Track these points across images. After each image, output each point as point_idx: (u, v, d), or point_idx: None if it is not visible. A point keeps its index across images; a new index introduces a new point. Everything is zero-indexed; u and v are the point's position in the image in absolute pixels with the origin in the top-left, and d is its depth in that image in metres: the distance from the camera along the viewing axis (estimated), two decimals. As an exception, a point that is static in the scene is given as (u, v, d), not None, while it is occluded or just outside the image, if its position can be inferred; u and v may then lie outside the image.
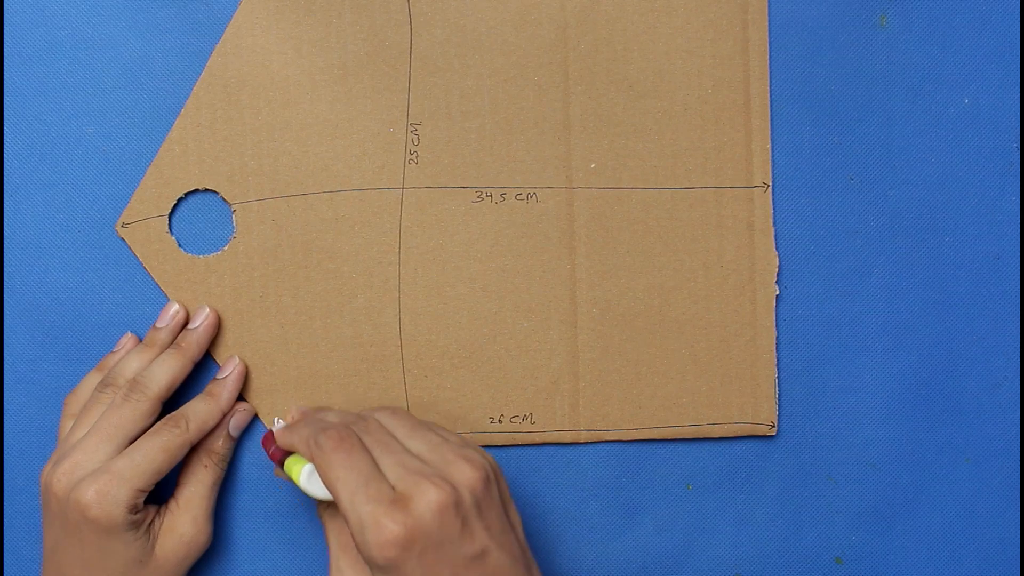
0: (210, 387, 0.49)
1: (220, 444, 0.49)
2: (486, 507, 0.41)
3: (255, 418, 0.51)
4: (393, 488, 0.40)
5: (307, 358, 0.51)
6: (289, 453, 0.44)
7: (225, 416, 0.49)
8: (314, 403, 0.51)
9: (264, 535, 0.52)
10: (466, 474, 0.41)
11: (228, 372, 0.50)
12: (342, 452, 0.41)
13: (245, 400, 0.51)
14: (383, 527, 0.39)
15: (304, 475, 0.43)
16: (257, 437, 0.51)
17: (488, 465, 0.42)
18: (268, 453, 0.45)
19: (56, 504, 0.45)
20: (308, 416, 0.46)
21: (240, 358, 0.50)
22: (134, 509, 0.45)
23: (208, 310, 0.50)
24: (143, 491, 0.45)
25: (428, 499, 0.39)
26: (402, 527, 0.39)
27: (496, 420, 0.51)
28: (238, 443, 0.51)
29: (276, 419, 0.47)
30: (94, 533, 0.44)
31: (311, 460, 0.42)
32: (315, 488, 0.43)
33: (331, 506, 0.45)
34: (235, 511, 0.52)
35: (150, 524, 0.47)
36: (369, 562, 0.40)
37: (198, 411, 0.48)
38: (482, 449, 0.43)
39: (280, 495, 0.52)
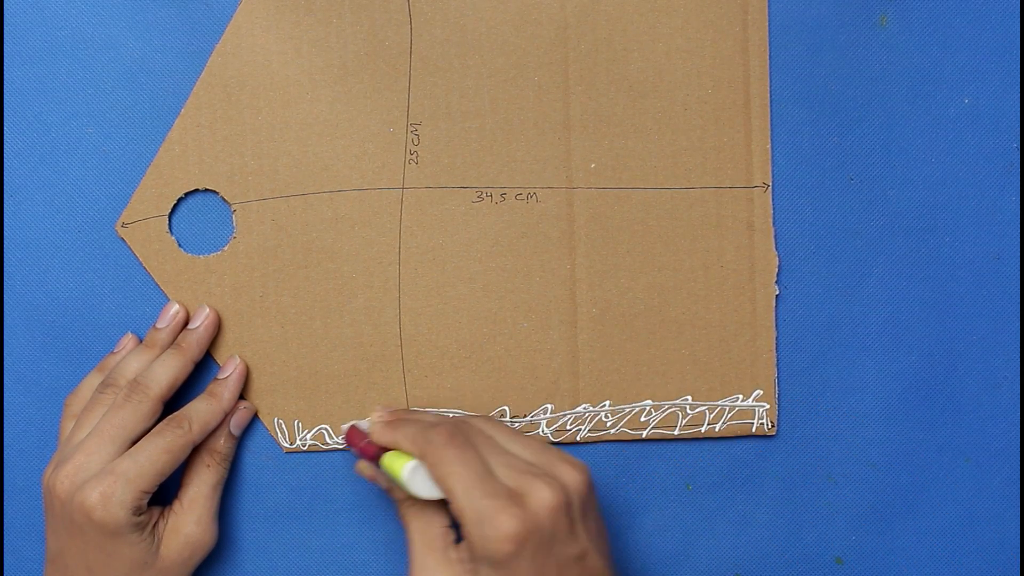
0: (211, 387, 0.49)
1: (222, 443, 0.49)
2: (588, 510, 0.43)
3: (256, 418, 0.51)
4: (506, 486, 0.41)
5: (307, 358, 0.51)
6: (384, 450, 0.45)
7: (227, 416, 0.49)
8: (314, 403, 0.51)
9: (264, 535, 0.52)
10: (573, 476, 0.42)
11: (229, 372, 0.50)
12: (454, 448, 0.42)
13: (245, 399, 0.51)
14: (501, 522, 0.40)
15: (408, 470, 0.43)
16: (259, 436, 0.51)
17: (588, 469, 0.43)
18: (357, 448, 0.46)
19: (59, 507, 0.45)
20: (404, 415, 0.47)
21: (241, 358, 0.50)
22: (138, 511, 0.45)
23: (208, 310, 0.50)
24: (147, 492, 0.45)
25: (542, 497, 0.41)
26: (520, 522, 0.40)
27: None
28: (239, 443, 0.51)
29: (367, 419, 0.48)
30: (99, 535, 0.44)
31: (420, 456, 0.43)
32: (418, 484, 0.43)
33: (415, 504, 0.45)
34: (236, 511, 0.52)
35: (155, 526, 0.47)
36: (484, 556, 0.40)
37: (200, 411, 0.48)
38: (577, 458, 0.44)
39: (280, 495, 0.52)
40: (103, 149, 0.50)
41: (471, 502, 0.40)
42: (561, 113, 0.51)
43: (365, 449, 0.46)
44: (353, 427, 0.48)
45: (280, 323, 0.51)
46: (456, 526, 0.43)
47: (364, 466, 0.47)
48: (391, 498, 0.47)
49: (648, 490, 0.52)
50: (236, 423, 0.50)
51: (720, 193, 0.51)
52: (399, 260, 0.51)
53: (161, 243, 0.50)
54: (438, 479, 0.42)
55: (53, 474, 0.45)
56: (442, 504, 0.44)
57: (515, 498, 0.41)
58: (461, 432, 0.43)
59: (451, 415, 0.48)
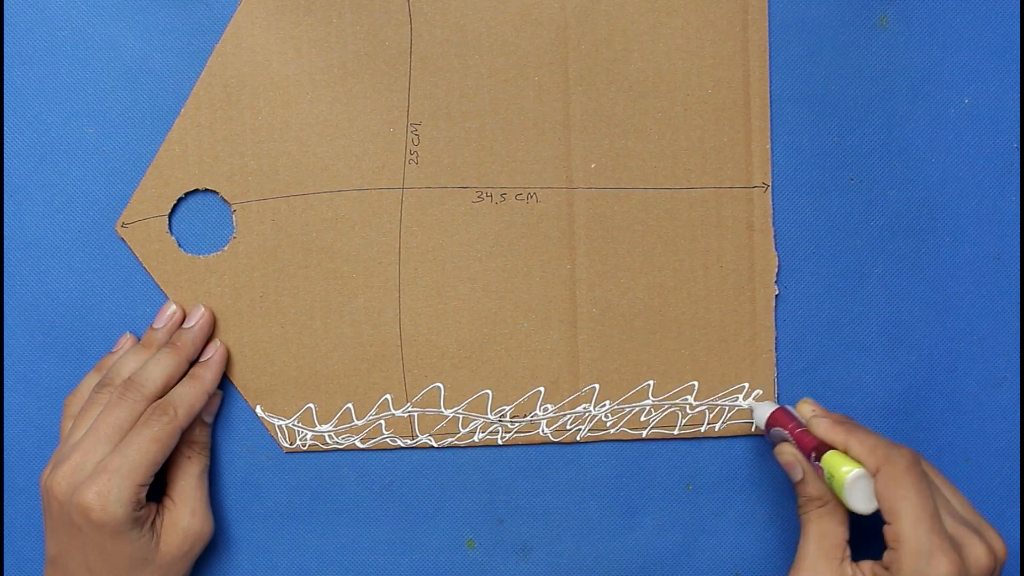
0: (194, 370, 0.49)
1: (198, 433, 0.49)
2: None
3: (256, 418, 0.51)
4: (948, 532, 0.42)
5: (307, 358, 0.51)
6: (824, 445, 0.45)
7: (211, 398, 0.49)
8: (314, 403, 0.51)
9: (264, 535, 0.52)
10: (1000, 547, 0.44)
11: (211, 354, 0.50)
12: (914, 476, 0.42)
13: (239, 392, 0.51)
14: (941, 562, 0.41)
15: (852, 476, 0.43)
16: (259, 436, 0.51)
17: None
18: (792, 433, 0.47)
19: (58, 508, 0.45)
20: (849, 421, 0.47)
21: (221, 341, 0.50)
22: (137, 505, 0.45)
23: (203, 309, 0.50)
24: (143, 485, 0.45)
25: (979, 555, 0.42)
26: (956, 570, 0.41)
27: (496, 420, 0.51)
28: (234, 444, 0.51)
29: (794, 405, 0.49)
30: (98, 535, 0.44)
31: (874, 468, 0.43)
32: (857, 493, 0.43)
33: (823, 508, 0.45)
34: (236, 511, 0.52)
35: (152, 522, 0.47)
36: None
37: (184, 395, 0.48)
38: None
39: (280, 495, 0.52)
40: (103, 149, 0.50)
41: (917, 533, 0.41)
42: (561, 113, 0.51)
43: (802, 437, 0.46)
44: (783, 409, 0.48)
45: (280, 323, 0.51)
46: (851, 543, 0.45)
47: (788, 450, 0.47)
48: (795, 490, 0.47)
49: (648, 490, 0.52)
50: (208, 411, 0.50)
51: (720, 193, 0.51)
52: (399, 260, 0.51)
53: (161, 243, 0.50)
54: (888, 498, 0.42)
55: (51, 475, 0.45)
56: (846, 517, 0.45)
57: (956, 546, 0.42)
58: (920, 464, 0.43)
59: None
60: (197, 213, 0.51)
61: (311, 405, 0.51)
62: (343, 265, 0.51)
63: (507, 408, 0.51)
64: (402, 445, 0.52)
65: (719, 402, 0.52)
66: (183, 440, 0.48)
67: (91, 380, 0.49)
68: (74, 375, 0.51)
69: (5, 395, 0.51)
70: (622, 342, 0.51)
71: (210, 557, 0.51)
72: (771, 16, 0.51)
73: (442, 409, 0.51)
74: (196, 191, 0.50)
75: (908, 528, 0.41)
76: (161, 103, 0.50)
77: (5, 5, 0.50)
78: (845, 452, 0.44)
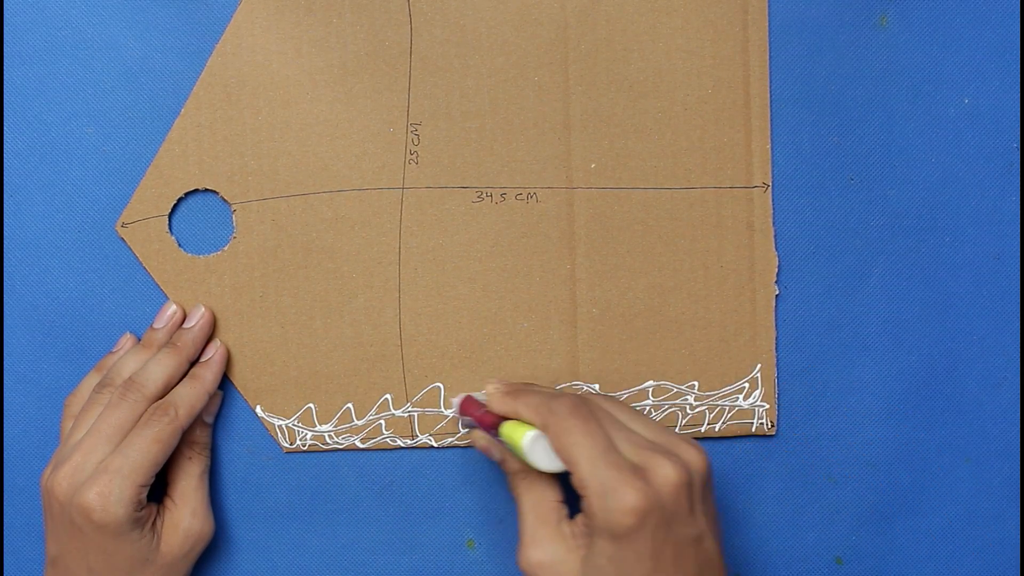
0: (194, 370, 0.49)
1: (198, 434, 0.49)
2: (706, 493, 0.42)
3: (256, 418, 0.51)
4: (629, 461, 0.41)
5: (307, 358, 0.51)
6: (502, 419, 0.45)
7: (211, 398, 0.49)
8: (314, 403, 0.51)
9: (264, 535, 0.52)
10: (695, 456, 0.42)
11: (211, 354, 0.50)
12: (579, 419, 0.42)
13: (239, 392, 0.51)
14: (626, 494, 0.40)
15: (528, 439, 0.43)
16: (259, 436, 0.51)
17: (707, 454, 0.43)
18: (473, 416, 0.47)
19: (59, 509, 0.45)
20: (523, 386, 0.47)
21: (221, 341, 0.50)
22: (138, 506, 0.45)
23: (203, 309, 0.50)
24: (144, 486, 0.45)
25: (666, 473, 0.40)
26: (644, 496, 0.40)
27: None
28: (234, 444, 0.51)
29: (481, 392, 0.48)
30: (99, 536, 0.44)
31: (543, 426, 0.42)
32: (538, 454, 0.42)
33: (528, 477, 0.45)
34: (236, 511, 0.52)
35: (153, 523, 0.47)
36: (605, 528, 0.40)
37: (185, 396, 0.48)
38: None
39: (280, 495, 0.52)
40: (103, 149, 0.50)
41: (595, 473, 0.40)
42: (561, 113, 0.51)
43: (483, 418, 0.46)
44: (468, 397, 0.48)
45: (280, 323, 0.51)
46: (568, 501, 0.44)
47: (479, 436, 0.47)
48: (503, 470, 0.47)
49: (648, 490, 0.52)
50: (209, 411, 0.50)
51: (720, 193, 0.51)
52: (399, 260, 0.51)
53: (161, 243, 0.50)
54: (561, 449, 0.42)
55: (51, 476, 0.45)
56: (555, 479, 0.44)
57: (639, 472, 0.40)
58: (585, 405, 0.43)
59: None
60: (197, 213, 0.51)
61: (311, 405, 0.51)
62: (343, 265, 0.51)
63: (507, 408, 0.51)
64: (402, 445, 0.52)
65: (719, 402, 0.52)
66: (184, 440, 0.48)
67: (91, 380, 0.49)
68: (74, 375, 0.51)
69: (5, 395, 0.51)
70: (622, 342, 0.51)
71: (210, 557, 0.51)
72: (771, 16, 0.51)
73: (442, 409, 0.51)
74: (196, 191, 0.50)
75: (586, 471, 0.41)
76: (161, 103, 0.50)
77: (5, 5, 0.50)
78: (518, 419, 0.44)
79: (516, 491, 0.46)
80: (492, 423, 0.45)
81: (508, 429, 0.44)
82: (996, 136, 0.52)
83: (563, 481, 0.45)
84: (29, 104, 0.50)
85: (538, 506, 0.45)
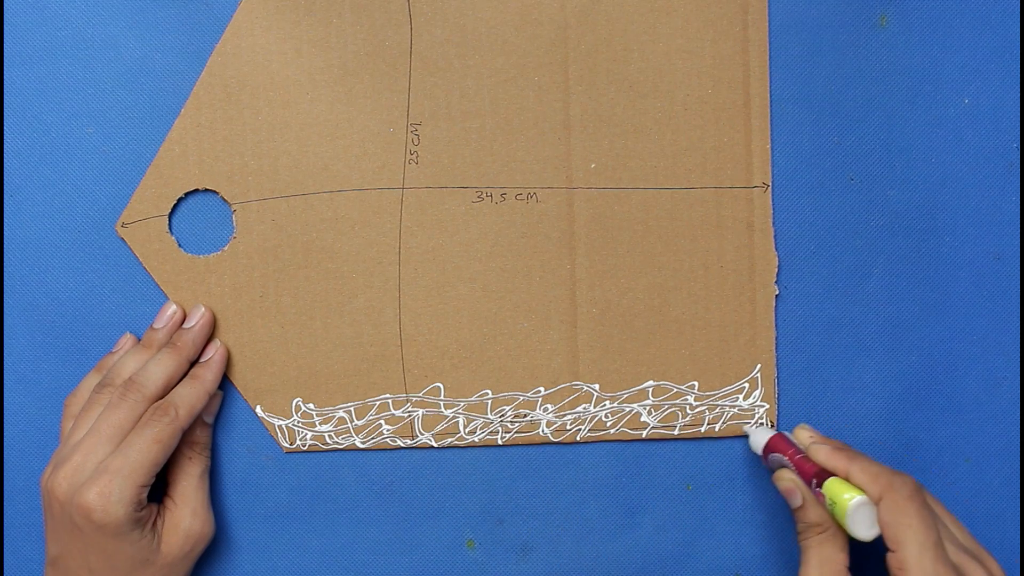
0: (194, 370, 0.49)
1: (199, 434, 0.49)
2: None
3: (256, 418, 0.51)
4: (952, 561, 0.42)
5: (307, 358, 0.51)
6: (825, 472, 0.45)
7: (212, 398, 0.49)
8: (314, 403, 0.51)
9: (264, 535, 0.52)
10: (999, 572, 0.44)
11: (211, 354, 0.50)
12: (917, 504, 0.43)
13: (239, 392, 0.51)
14: None
15: (855, 504, 0.43)
16: (259, 436, 0.51)
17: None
18: (791, 460, 0.47)
19: (59, 509, 0.45)
20: (851, 449, 0.47)
21: (221, 341, 0.50)
22: (139, 506, 0.45)
23: (203, 309, 0.50)
24: (144, 486, 0.45)
25: None
26: None
27: (496, 420, 0.51)
28: (234, 444, 0.51)
29: (791, 431, 0.49)
30: (99, 536, 0.44)
31: (877, 496, 0.43)
32: (859, 521, 0.43)
33: (824, 534, 0.45)
34: (236, 511, 0.52)
35: (153, 523, 0.47)
36: None
37: (185, 396, 0.48)
38: None
39: (280, 495, 0.52)
40: (103, 149, 0.50)
41: (923, 562, 0.41)
42: (561, 113, 0.51)
43: (802, 464, 0.46)
44: (782, 436, 0.48)
45: (280, 323, 0.51)
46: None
47: (788, 477, 0.47)
48: (794, 516, 0.47)
49: (648, 490, 0.52)
50: (209, 412, 0.50)
51: (720, 193, 0.51)
52: (399, 260, 0.51)
53: (161, 243, 0.50)
54: (892, 526, 0.42)
55: (51, 476, 0.45)
56: (847, 546, 0.45)
57: (959, 574, 0.42)
58: (922, 493, 0.44)
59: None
60: (197, 213, 0.51)
61: (311, 405, 0.51)
62: (343, 265, 0.51)
63: (507, 408, 0.51)
64: (402, 445, 0.52)
65: (719, 402, 0.52)
66: (184, 441, 0.48)
67: (91, 380, 0.49)
68: (74, 375, 0.51)
69: (5, 395, 0.51)
70: (622, 342, 0.51)
71: (210, 557, 0.51)
72: (771, 16, 0.51)
73: (442, 409, 0.51)
74: (196, 191, 0.50)
75: (913, 557, 0.41)
76: (161, 103, 0.50)
77: (5, 5, 0.50)
78: (847, 479, 0.44)
79: (806, 543, 0.46)
80: (815, 473, 0.45)
81: (835, 485, 0.44)
82: (996, 136, 0.52)
83: (852, 547, 0.45)
84: (29, 104, 0.50)
85: (826, 565, 0.45)
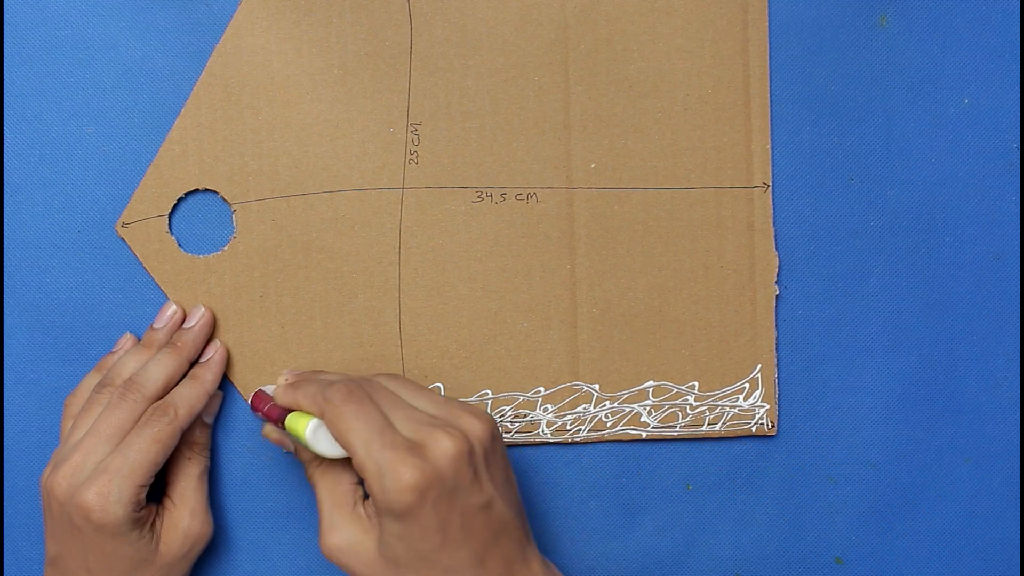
0: (194, 371, 0.49)
1: (198, 434, 0.49)
2: (492, 460, 0.43)
3: (255, 418, 0.51)
4: (406, 438, 0.41)
5: (307, 358, 0.51)
6: (287, 412, 0.45)
7: (212, 398, 0.49)
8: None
9: (264, 535, 0.52)
10: (475, 426, 0.42)
11: (211, 354, 0.50)
12: (353, 403, 0.42)
13: (239, 392, 0.51)
14: (401, 473, 0.40)
15: (310, 429, 0.43)
16: (259, 436, 0.51)
17: (493, 420, 0.43)
18: (262, 412, 0.47)
19: (58, 509, 0.45)
20: (306, 376, 0.47)
21: (221, 342, 0.50)
22: (138, 506, 0.45)
23: (203, 309, 0.50)
24: (143, 486, 0.45)
25: (443, 447, 0.41)
26: (420, 472, 0.40)
27: (496, 420, 0.51)
28: (234, 444, 0.51)
29: (274, 385, 0.48)
30: (98, 536, 0.44)
31: (320, 415, 0.43)
32: (321, 442, 0.43)
33: (322, 464, 0.45)
34: (235, 511, 0.52)
35: (152, 523, 0.47)
36: (386, 508, 0.41)
37: (185, 396, 0.48)
38: (483, 408, 0.44)
39: (280, 495, 0.52)
40: (103, 149, 0.50)
41: (370, 456, 0.41)
42: (561, 113, 0.51)
43: (269, 412, 0.46)
44: (259, 392, 0.48)
45: (280, 323, 0.51)
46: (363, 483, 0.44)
47: (270, 430, 0.47)
48: (300, 460, 0.47)
49: (648, 490, 0.52)
50: (208, 412, 0.50)
51: (720, 193, 0.51)
52: (399, 260, 0.51)
53: (161, 243, 0.50)
54: (338, 436, 0.42)
55: (51, 476, 0.45)
56: (349, 462, 0.45)
57: (415, 449, 0.41)
58: (360, 388, 0.43)
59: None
60: (197, 213, 0.51)
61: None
62: (343, 265, 0.51)
63: (507, 408, 0.51)
64: (402, 445, 0.52)
65: (719, 402, 0.52)
66: (183, 441, 0.48)
67: (91, 380, 0.49)
68: (74, 375, 0.51)
69: (5, 395, 0.51)
70: (622, 342, 0.51)
71: (210, 557, 0.51)
72: (771, 16, 0.51)
73: (442, 409, 0.51)
74: (196, 191, 0.50)
75: (362, 454, 0.41)
76: (161, 103, 0.50)
77: (5, 5, 0.50)
78: (300, 410, 0.44)
79: (312, 479, 0.46)
80: (278, 416, 0.45)
81: (291, 421, 0.44)
82: (996, 136, 0.52)
83: None
84: (29, 104, 0.50)
85: (333, 491, 0.45)
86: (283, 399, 0.45)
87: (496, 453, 0.43)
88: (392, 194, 0.51)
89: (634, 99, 0.51)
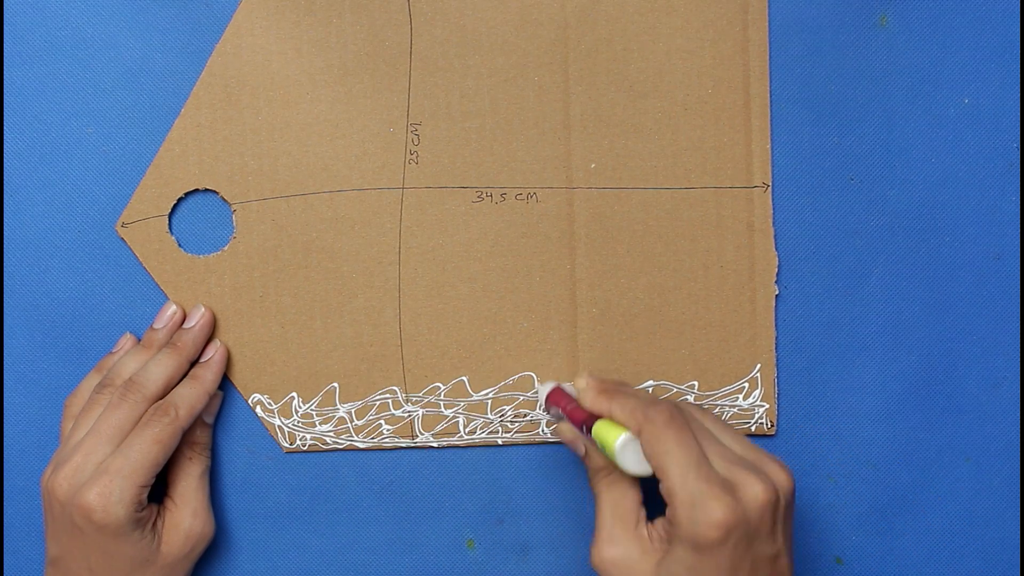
0: (194, 371, 0.49)
1: (199, 434, 0.49)
2: (788, 514, 0.43)
3: (256, 418, 0.51)
4: (720, 475, 0.42)
5: (307, 358, 0.51)
6: (594, 417, 0.45)
7: (212, 398, 0.49)
8: (316, 402, 0.51)
9: (264, 535, 0.52)
10: (782, 477, 0.43)
11: (211, 355, 0.50)
12: (674, 428, 0.42)
13: (239, 392, 0.51)
14: (714, 508, 0.40)
15: (620, 442, 0.43)
16: (259, 436, 0.51)
17: (793, 473, 0.44)
18: (564, 410, 0.47)
19: (59, 509, 0.45)
20: (617, 386, 0.47)
21: (221, 342, 0.50)
22: (139, 506, 0.45)
23: (203, 309, 0.50)
24: (144, 486, 0.45)
25: (755, 491, 0.41)
26: (732, 512, 0.40)
27: (496, 420, 0.51)
28: (234, 444, 0.51)
29: (570, 382, 0.49)
30: (100, 536, 0.44)
31: (636, 431, 0.43)
32: (628, 456, 0.43)
33: (611, 476, 0.45)
34: (236, 511, 0.52)
35: (154, 523, 0.47)
36: (689, 538, 0.41)
37: (185, 396, 0.48)
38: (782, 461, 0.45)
39: (280, 495, 0.52)
40: (103, 149, 0.50)
41: (685, 484, 0.41)
42: (561, 113, 0.51)
43: (573, 413, 0.46)
44: (558, 388, 0.48)
45: (280, 323, 0.51)
46: (646, 504, 0.45)
47: (567, 429, 0.47)
48: (585, 465, 0.47)
49: (648, 490, 0.52)
50: (209, 412, 0.50)
51: (720, 193, 0.51)
52: (399, 260, 0.51)
53: (161, 243, 0.50)
54: (653, 456, 0.42)
55: (52, 476, 0.45)
56: (637, 481, 0.45)
57: (728, 488, 0.41)
58: (680, 414, 0.43)
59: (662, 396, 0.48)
60: (197, 213, 0.51)
61: (312, 405, 0.51)
62: (343, 265, 0.51)
63: (507, 408, 0.52)
64: (402, 445, 0.52)
65: (719, 402, 0.52)
66: (184, 441, 0.48)
67: (91, 380, 0.49)
68: (74, 375, 0.51)
69: (5, 395, 0.51)
70: (622, 342, 0.51)
71: (210, 557, 0.51)
72: (771, 16, 0.51)
73: (442, 409, 0.52)
74: (196, 191, 0.50)
75: (676, 481, 0.41)
76: (161, 103, 0.50)
77: (5, 5, 0.50)
78: (611, 419, 0.45)
79: (597, 488, 0.46)
80: (583, 419, 0.45)
81: (601, 428, 0.44)
82: (996, 136, 0.52)
83: (643, 484, 0.45)
84: (29, 104, 0.50)
85: (618, 505, 0.45)
86: (595, 405, 0.45)
87: (791, 509, 0.43)
88: (392, 194, 0.51)
89: (634, 99, 0.51)
